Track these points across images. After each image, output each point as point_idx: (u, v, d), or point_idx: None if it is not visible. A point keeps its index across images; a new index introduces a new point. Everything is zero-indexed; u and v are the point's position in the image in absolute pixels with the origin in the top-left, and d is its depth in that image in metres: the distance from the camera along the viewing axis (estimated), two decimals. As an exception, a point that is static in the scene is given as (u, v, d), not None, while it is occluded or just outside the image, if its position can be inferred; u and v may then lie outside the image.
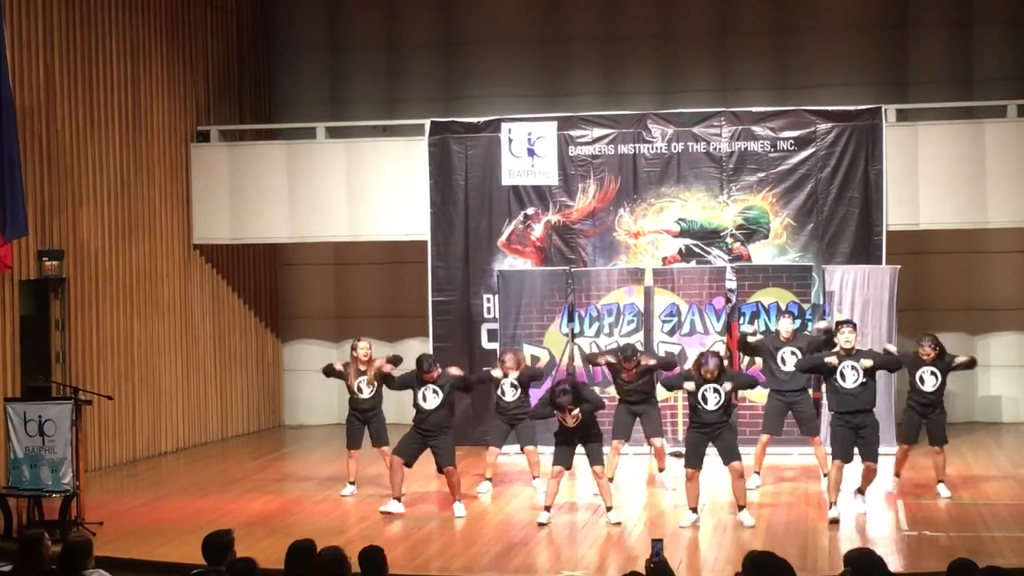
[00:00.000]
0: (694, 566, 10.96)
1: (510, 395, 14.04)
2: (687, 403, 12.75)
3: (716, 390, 12.18)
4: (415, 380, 13.11)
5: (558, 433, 12.59)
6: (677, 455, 15.70)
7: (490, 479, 14.15)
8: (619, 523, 12.33)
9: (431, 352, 16.24)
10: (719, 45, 18.91)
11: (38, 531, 8.66)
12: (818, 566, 10.56)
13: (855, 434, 12.34)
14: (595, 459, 12.46)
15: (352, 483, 14.15)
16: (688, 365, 16.16)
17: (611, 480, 13.12)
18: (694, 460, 12.27)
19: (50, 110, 15.30)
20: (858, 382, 12.30)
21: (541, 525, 12.32)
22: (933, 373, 13.24)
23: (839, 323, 13.06)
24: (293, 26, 19.73)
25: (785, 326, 14.25)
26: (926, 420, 13.38)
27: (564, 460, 12.50)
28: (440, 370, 13.16)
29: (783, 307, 15.93)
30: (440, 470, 13.11)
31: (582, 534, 12.18)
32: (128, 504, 13.81)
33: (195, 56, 18.05)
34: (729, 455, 12.30)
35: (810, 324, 16.11)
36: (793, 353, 13.86)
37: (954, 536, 11.63)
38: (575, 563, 11.10)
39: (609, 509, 12.47)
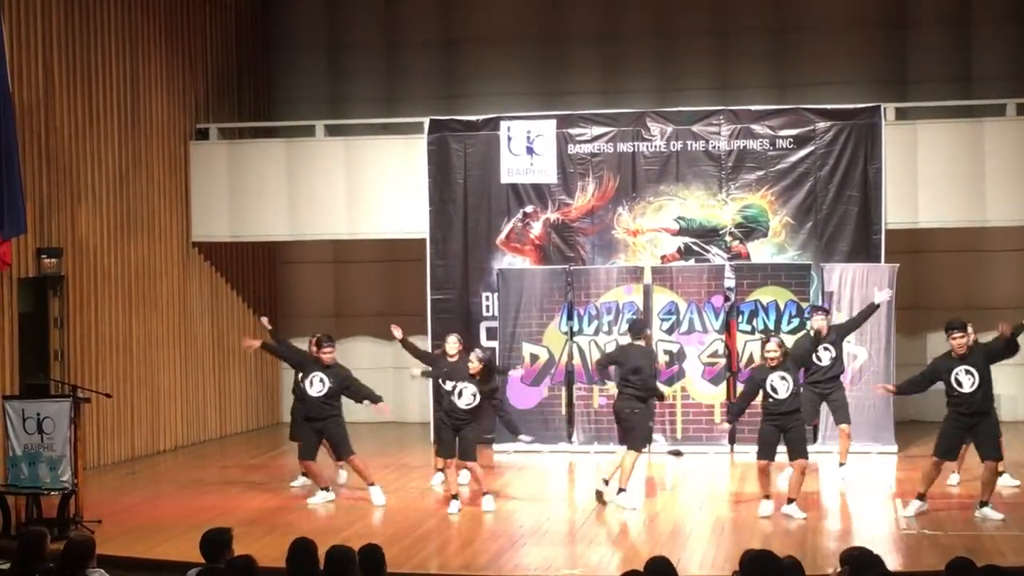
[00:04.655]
0: (693, 564, 10.94)
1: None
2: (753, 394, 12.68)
3: (784, 377, 12.34)
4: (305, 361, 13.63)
5: (440, 425, 13.21)
6: (675, 453, 15.73)
7: (441, 469, 14.06)
8: (490, 511, 12.78)
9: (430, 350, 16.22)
10: (718, 43, 18.91)
11: (40, 529, 8.62)
12: (816, 564, 10.55)
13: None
14: (465, 453, 12.92)
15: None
16: (685, 364, 16.30)
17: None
18: (766, 452, 12.47)
19: (49, 107, 15.29)
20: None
21: (452, 515, 12.74)
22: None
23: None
24: (292, 24, 19.73)
25: (819, 323, 14.23)
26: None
27: (448, 452, 13.07)
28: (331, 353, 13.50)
29: (786, 304, 15.96)
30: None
31: (580, 533, 12.18)
32: (126, 502, 13.81)
33: (194, 53, 18.05)
34: (797, 451, 12.42)
35: (808, 323, 16.12)
36: (826, 349, 14.06)
37: (952, 535, 11.62)
38: (574, 562, 11.09)
39: (485, 494, 13.01)
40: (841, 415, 14.31)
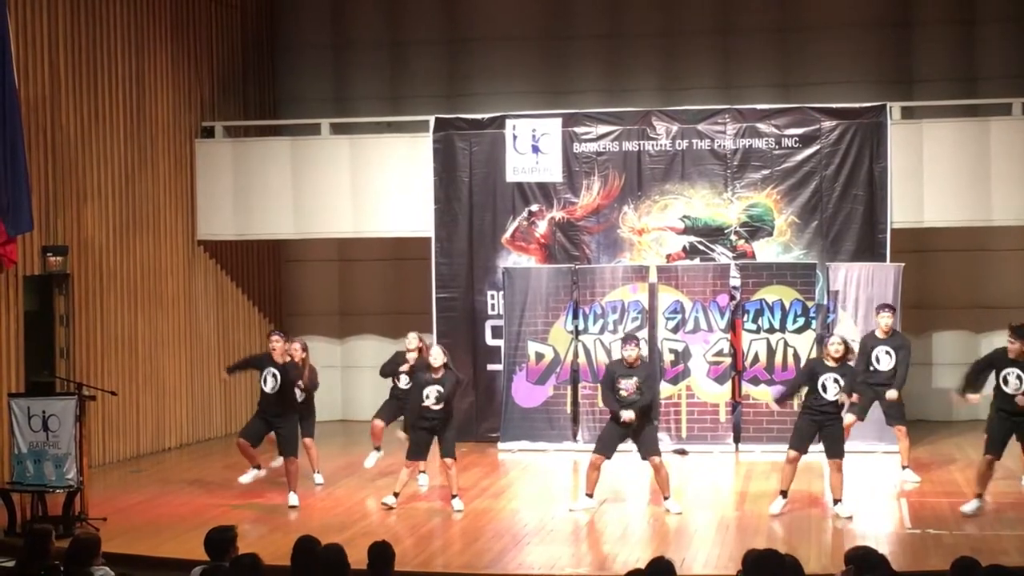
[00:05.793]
0: (697, 564, 10.94)
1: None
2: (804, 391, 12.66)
3: (837, 380, 12.31)
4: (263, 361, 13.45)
5: (415, 425, 13.07)
6: (680, 452, 15.74)
7: (379, 448, 14.33)
8: (460, 510, 12.77)
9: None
10: (723, 42, 18.89)
11: (46, 527, 8.64)
12: (821, 564, 10.55)
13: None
14: (448, 452, 12.89)
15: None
16: (690, 363, 16.30)
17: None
18: (799, 444, 12.45)
19: (55, 106, 15.30)
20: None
21: (387, 507, 12.90)
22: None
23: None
24: (297, 22, 19.73)
25: (884, 321, 14.20)
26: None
27: (419, 453, 13.06)
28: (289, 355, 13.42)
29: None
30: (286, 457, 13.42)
31: (584, 532, 12.18)
32: (131, 500, 13.83)
33: (200, 52, 18.05)
34: (834, 449, 12.38)
35: (813, 322, 16.11)
36: (888, 353, 13.98)
37: (957, 534, 11.63)
38: (578, 561, 11.10)
39: (454, 496, 12.93)
40: (894, 415, 14.11)
